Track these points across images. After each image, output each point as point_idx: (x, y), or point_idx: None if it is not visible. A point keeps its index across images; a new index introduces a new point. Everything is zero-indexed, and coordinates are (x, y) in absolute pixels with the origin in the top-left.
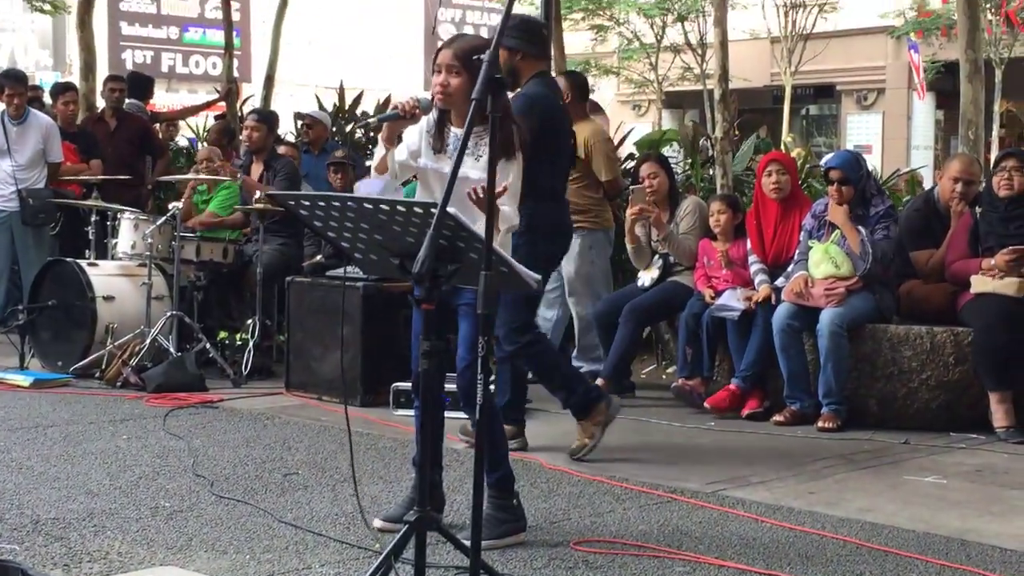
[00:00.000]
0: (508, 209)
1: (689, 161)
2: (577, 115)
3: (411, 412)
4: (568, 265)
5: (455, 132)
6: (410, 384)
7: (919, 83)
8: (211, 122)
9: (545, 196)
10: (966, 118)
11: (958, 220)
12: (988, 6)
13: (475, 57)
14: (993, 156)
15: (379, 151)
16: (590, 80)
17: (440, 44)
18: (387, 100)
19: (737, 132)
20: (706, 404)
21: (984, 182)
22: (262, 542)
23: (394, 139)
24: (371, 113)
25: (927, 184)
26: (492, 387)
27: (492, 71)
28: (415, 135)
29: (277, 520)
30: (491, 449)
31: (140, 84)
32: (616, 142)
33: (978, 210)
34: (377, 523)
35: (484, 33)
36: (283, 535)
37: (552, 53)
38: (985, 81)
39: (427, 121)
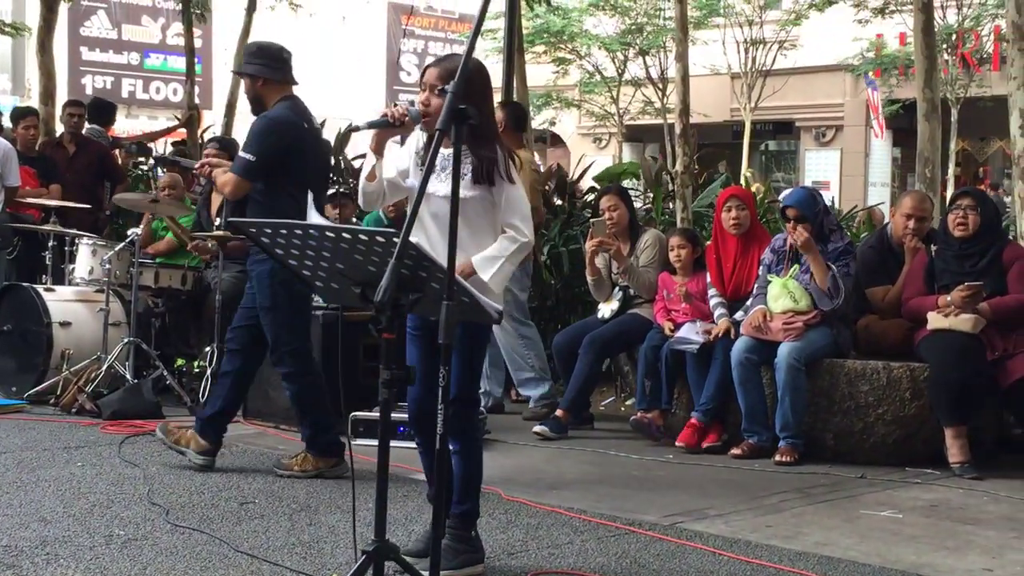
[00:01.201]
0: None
1: (651, 195)
2: (511, 144)
3: (370, 442)
4: None
5: (443, 153)
6: (370, 413)
7: (877, 121)
8: (171, 149)
9: (289, 212)
10: (923, 156)
11: (912, 257)
12: (945, 47)
13: (438, 90)
14: (949, 194)
15: (368, 161)
16: (552, 112)
17: (428, 62)
18: (349, 127)
19: (697, 167)
20: (677, 443)
21: (940, 219)
22: (217, 571)
23: (383, 148)
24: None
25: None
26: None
27: (456, 102)
28: (404, 155)
29: (233, 549)
30: (466, 480)
31: (103, 110)
32: (577, 175)
33: (933, 248)
34: None
35: None
36: (239, 564)
37: (500, 88)
38: (941, 120)
39: (416, 142)
